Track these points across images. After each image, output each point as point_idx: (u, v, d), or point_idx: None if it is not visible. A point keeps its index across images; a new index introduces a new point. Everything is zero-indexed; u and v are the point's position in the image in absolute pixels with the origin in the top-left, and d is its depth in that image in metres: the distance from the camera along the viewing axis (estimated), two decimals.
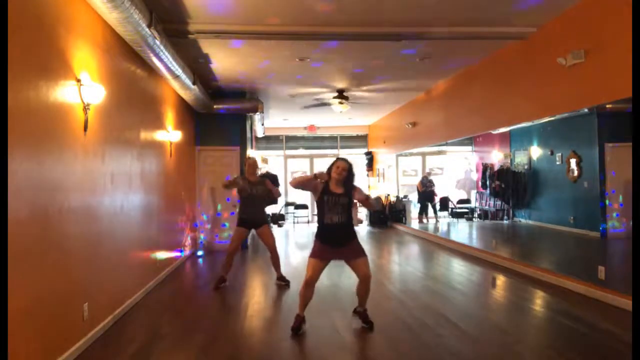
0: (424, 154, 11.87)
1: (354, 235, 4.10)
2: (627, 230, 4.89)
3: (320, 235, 4.05)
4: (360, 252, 4.06)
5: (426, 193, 11.09)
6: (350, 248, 4.03)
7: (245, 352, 3.70)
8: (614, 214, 5.10)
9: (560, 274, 5.48)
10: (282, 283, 5.85)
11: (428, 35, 5.64)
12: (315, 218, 14.34)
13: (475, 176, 8.93)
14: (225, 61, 6.93)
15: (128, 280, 4.87)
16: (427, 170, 11.63)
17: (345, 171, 3.99)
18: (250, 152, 10.14)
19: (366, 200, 4.17)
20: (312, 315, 4.34)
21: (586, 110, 5.12)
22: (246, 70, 7.48)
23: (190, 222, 8.35)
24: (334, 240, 3.99)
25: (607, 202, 5.08)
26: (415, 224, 11.47)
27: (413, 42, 6.06)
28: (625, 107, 4.46)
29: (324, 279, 6.16)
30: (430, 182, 11.07)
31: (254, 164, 5.96)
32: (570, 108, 5.25)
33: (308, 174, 15.20)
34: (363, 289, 4.12)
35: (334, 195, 3.96)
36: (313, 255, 4.03)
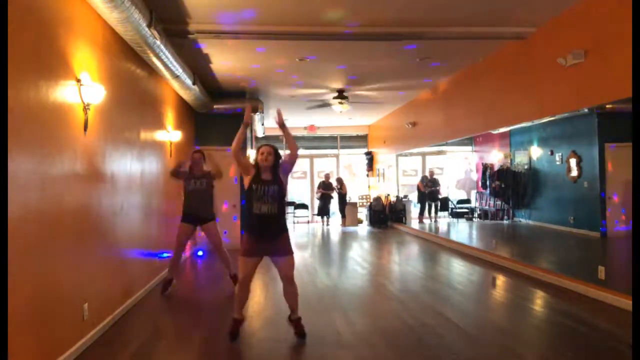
0: (424, 154, 11.88)
1: (284, 228, 3.86)
2: (627, 230, 4.89)
3: (249, 227, 3.82)
4: (287, 251, 3.82)
5: (428, 193, 11.09)
6: (280, 243, 3.79)
7: (245, 352, 3.70)
8: (614, 214, 5.10)
9: (560, 274, 5.48)
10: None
11: (428, 35, 5.64)
12: (315, 218, 14.39)
13: (475, 176, 8.94)
14: (225, 61, 6.93)
15: (128, 280, 4.86)
16: (428, 170, 11.64)
17: (271, 155, 3.75)
18: (251, 153, 10.12)
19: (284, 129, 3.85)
20: (312, 315, 4.34)
21: (586, 110, 5.12)
22: (246, 70, 7.47)
23: None
24: (263, 232, 3.74)
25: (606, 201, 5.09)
26: (415, 224, 11.47)
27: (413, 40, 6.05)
28: (625, 107, 4.45)
29: (324, 279, 6.18)
30: (434, 181, 11.07)
31: (198, 161, 5.47)
32: (570, 108, 5.25)
33: (308, 175, 15.20)
34: (287, 292, 3.90)
35: (263, 182, 3.72)
36: (243, 253, 3.81)
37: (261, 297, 5.36)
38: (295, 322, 3.93)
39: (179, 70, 5.83)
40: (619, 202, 5.06)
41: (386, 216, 12.72)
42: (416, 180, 11.65)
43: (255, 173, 3.79)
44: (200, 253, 8.44)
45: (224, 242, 5.81)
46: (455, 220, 10.39)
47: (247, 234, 3.86)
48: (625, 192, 4.87)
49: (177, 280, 5.57)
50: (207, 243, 5.91)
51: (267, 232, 3.75)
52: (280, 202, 3.78)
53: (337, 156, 15.38)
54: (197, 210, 5.45)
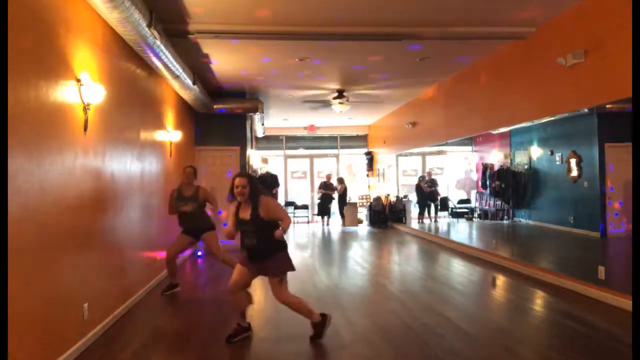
0: (424, 154, 11.87)
1: (274, 250, 3.77)
2: (627, 230, 4.89)
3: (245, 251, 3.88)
4: (275, 272, 3.77)
5: (428, 193, 11.09)
6: (270, 263, 3.77)
7: (245, 352, 3.70)
8: (614, 214, 5.10)
9: (560, 274, 5.48)
10: None
11: (428, 35, 5.64)
12: (315, 218, 14.39)
13: (475, 176, 8.94)
14: (225, 61, 6.93)
15: (128, 280, 4.86)
16: (427, 170, 11.63)
17: (245, 187, 3.68)
18: (251, 153, 10.14)
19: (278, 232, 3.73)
20: None
21: (586, 110, 5.12)
22: (246, 70, 7.47)
23: None
24: (251, 257, 3.81)
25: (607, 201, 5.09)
26: (415, 224, 11.48)
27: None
28: (625, 107, 4.46)
29: (324, 279, 6.18)
30: (432, 181, 11.09)
31: (190, 175, 5.48)
32: (570, 108, 5.25)
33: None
34: (290, 308, 3.88)
35: (242, 223, 3.72)
36: (240, 261, 3.92)
37: (261, 297, 5.35)
38: (312, 325, 3.88)
39: (179, 70, 5.83)
40: (615, 203, 5.06)
41: (386, 216, 12.72)
42: (416, 180, 11.65)
43: (236, 210, 3.79)
44: (200, 253, 8.44)
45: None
46: (455, 220, 10.39)
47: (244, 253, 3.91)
48: (624, 192, 4.87)
49: (175, 281, 5.56)
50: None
51: (254, 258, 3.80)
52: (262, 232, 3.69)
53: (337, 156, 15.38)
54: (191, 226, 5.46)
